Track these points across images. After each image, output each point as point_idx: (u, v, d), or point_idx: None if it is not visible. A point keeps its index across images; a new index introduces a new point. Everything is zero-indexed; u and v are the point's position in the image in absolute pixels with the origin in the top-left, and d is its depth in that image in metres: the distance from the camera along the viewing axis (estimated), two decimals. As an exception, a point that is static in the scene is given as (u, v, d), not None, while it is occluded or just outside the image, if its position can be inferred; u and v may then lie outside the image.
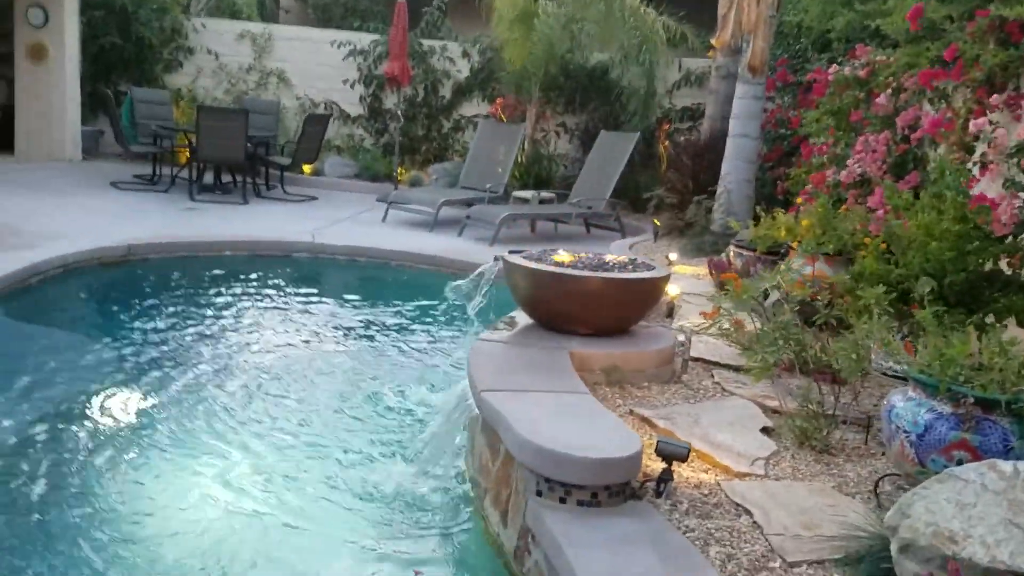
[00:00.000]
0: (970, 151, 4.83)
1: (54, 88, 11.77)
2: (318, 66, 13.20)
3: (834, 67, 6.77)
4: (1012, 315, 3.54)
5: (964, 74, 4.81)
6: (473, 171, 10.92)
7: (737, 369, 4.39)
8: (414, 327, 6.21)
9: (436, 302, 6.99)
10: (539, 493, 2.78)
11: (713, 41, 11.13)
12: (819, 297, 4.36)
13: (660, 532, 2.63)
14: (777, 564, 2.52)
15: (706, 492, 2.96)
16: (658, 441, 2.91)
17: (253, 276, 7.25)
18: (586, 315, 4.06)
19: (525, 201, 10.39)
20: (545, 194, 10.47)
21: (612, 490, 2.74)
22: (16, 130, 11.99)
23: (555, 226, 10.38)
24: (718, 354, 4.55)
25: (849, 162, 6.13)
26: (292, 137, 12.66)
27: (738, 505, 2.87)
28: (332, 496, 3.52)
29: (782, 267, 5.49)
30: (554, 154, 12.30)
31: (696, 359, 4.40)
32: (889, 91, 6.01)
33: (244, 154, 10.22)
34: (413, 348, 5.70)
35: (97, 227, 7.62)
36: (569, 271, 4.00)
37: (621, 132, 10.72)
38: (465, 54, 13.19)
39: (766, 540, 2.65)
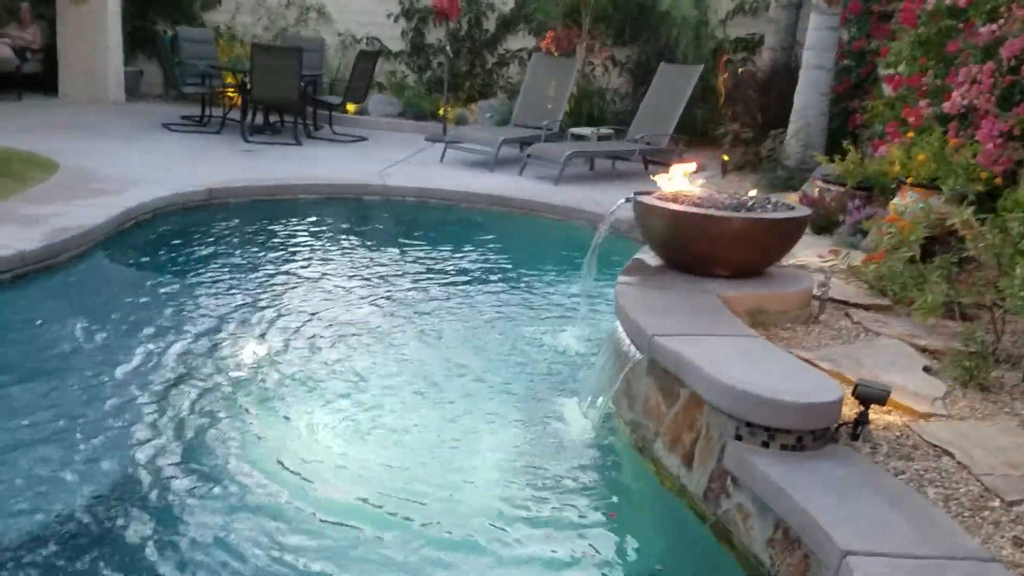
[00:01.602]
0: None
1: (96, 29, 11.58)
2: (359, 0, 12.90)
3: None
4: None
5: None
6: (526, 108, 10.74)
7: (868, 308, 4.36)
8: (521, 270, 6.15)
9: (525, 244, 6.97)
10: (739, 437, 2.77)
11: (773, -35, 10.84)
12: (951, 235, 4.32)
13: (873, 475, 2.62)
14: (996, 503, 2.52)
15: (897, 434, 2.94)
16: (857, 385, 2.88)
17: (337, 219, 7.23)
18: (729, 257, 4.00)
19: (584, 138, 10.24)
20: (604, 130, 10.31)
21: (816, 434, 2.73)
22: (60, 72, 11.84)
23: (613, 164, 10.24)
24: (845, 293, 4.51)
25: (954, 94, 5.97)
26: (335, 75, 12.48)
27: (935, 446, 2.85)
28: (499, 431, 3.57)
29: (896, 202, 5.44)
30: (605, 89, 12.07)
31: (829, 299, 4.36)
32: (998, 21, 5.81)
33: (298, 94, 10.06)
34: (529, 291, 5.66)
35: (169, 171, 7.56)
36: (715, 212, 3.93)
37: (681, 65, 10.48)
38: (510, -15, 12.86)
39: (977, 480, 2.64)
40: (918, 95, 6.86)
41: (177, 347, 4.23)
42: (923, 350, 3.82)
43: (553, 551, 2.82)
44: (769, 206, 4.17)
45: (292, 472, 3.18)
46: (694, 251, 4.03)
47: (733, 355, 3.06)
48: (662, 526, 3.08)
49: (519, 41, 13.02)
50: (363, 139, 11.07)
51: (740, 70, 11.54)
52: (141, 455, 3.23)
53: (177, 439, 3.37)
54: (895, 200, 5.50)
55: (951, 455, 2.79)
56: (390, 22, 12.95)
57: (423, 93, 12.76)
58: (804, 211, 4.17)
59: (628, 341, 3.54)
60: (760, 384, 2.76)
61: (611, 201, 7.83)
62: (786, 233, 4.06)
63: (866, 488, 2.52)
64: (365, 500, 3.03)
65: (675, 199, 4.15)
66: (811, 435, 2.72)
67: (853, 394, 2.87)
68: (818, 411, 2.71)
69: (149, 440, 3.34)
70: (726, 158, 9.09)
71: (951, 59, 6.73)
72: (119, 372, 3.90)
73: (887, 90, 8.15)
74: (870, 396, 2.85)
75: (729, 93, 11.40)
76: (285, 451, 3.34)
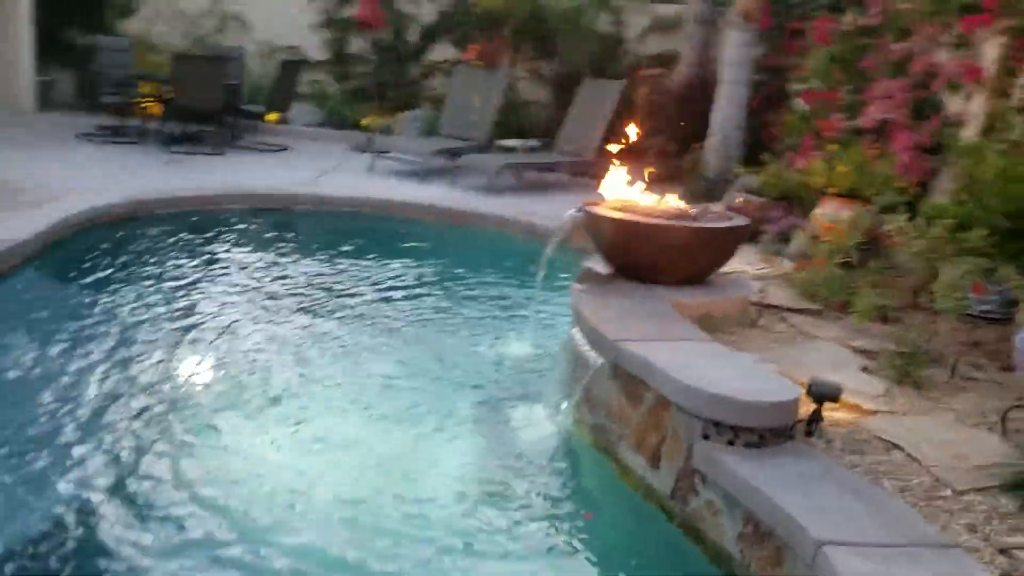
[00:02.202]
0: (1008, 97, 5.06)
1: (8, 35, 11.11)
2: (279, 9, 12.74)
3: (850, 16, 6.91)
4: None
5: (1002, 22, 5.02)
6: (453, 119, 10.81)
7: (801, 312, 4.59)
8: (463, 279, 6.19)
9: (465, 253, 7.01)
10: (706, 437, 2.90)
11: (688, -14, 11.20)
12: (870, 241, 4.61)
13: (832, 469, 2.78)
14: (948, 493, 2.71)
15: (847, 430, 3.13)
16: (811, 383, 3.05)
17: (269, 229, 7.16)
18: (677, 264, 4.16)
19: (512, 150, 10.36)
20: (531, 142, 10.46)
21: (777, 432, 2.88)
22: (-35, 79, 11.31)
23: (541, 175, 10.39)
24: (779, 299, 4.73)
25: (870, 108, 6.33)
26: (256, 84, 12.29)
27: (884, 440, 3.05)
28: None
29: (819, 212, 5.72)
30: (527, 101, 12.23)
31: (765, 305, 4.57)
32: (919, 37, 6.19)
33: (222, 103, 9.89)
34: (474, 300, 5.71)
35: (93, 182, 7.35)
36: (664, 222, 4.09)
37: (604, 80, 10.73)
38: (432, -3, 12.92)
39: (928, 472, 2.83)
40: (833, 109, 7.23)
41: (111, 368, 4.10)
42: (857, 351, 4.05)
43: (525, 548, 2.89)
44: (711, 216, 4.35)
45: (234, 504, 3.04)
46: (644, 259, 4.18)
47: (695, 359, 3.19)
48: (630, 525, 3.18)
49: (442, 52, 13.06)
50: (286, 148, 10.94)
51: (658, 85, 11.89)
52: (66, 488, 3.06)
53: (107, 469, 3.20)
54: (817, 210, 5.79)
55: (900, 448, 2.98)
56: (311, 31, 12.83)
57: (346, 103, 12.68)
58: (743, 221, 4.37)
59: (588, 347, 3.65)
60: (726, 385, 2.90)
61: (545, 212, 8.00)
62: (729, 242, 4.25)
63: (828, 481, 2.68)
64: (315, 522, 2.98)
65: (624, 209, 4.28)
66: (772, 432, 2.87)
67: (807, 392, 3.04)
68: (781, 409, 2.86)
69: (75, 472, 3.16)
70: (649, 170, 9.33)
71: (864, 75, 7.13)
72: (49, 395, 3.76)
73: (800, 104, 8.54)
74: (824, 394, 3.02)
75: (647, 107, 11.73)
76: (223, 479, 3.22)
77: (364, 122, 12.34)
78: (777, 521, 2.51)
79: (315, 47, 12.91)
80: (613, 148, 10.01)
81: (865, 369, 3.79)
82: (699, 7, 11.15)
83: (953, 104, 5.99)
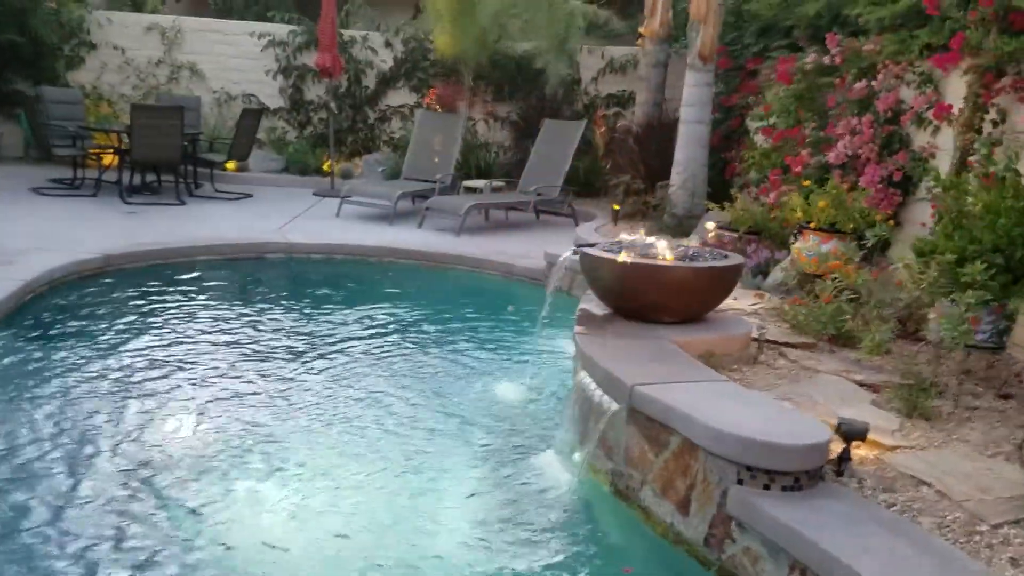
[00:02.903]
0: (979, 132, 5.23)
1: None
2: (233, 58, 12.70)
3: (813, 55, 7.10)
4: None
5: (970, 60, 5.19)
6: (416, 162, 10.83)
7: (796, 347, 4.62)
8: (449, 323, 6.13)
9: (445, 296, 6.95)
10: (740, 482, 2.87)
11: (641, 30, 11.44)
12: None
13: (870, 509, 2.78)
14: (984, 528, 2.72)
15: (873, 467, 3.13)
16: (840, 422, 3.06)
17: (243, 280, 7.02)
18: (678, 304, 4.17)
19: (477, 190, 10.39)
20: (496, 183, 10.50)
21: (810, 474, 2.87)
22: (-92, 134, 10.96)
23: (506, 214, 10.43)
24: (774, 334, 4.76)
25: (838, 144, 6.48)
26: (212, 132, 12.16)
27: (911, 477, 3.05)
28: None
29: (797, 245, 5.81)
30: (487, 143, 12.31)
31: (764, 340, 4.60)
32: (879, 76, 6.38)
33: (180, 153, 9.73)
34: (464, 344, 5.64)
35: (57, 237, 7.14)
36: (663, 263, 4.10)
37: (565, 120, 10.85)
38: (388, 44, 12.97)
39: (960, 507, 2.84)
40: (797, 145, 7.40)
41: (96, 430, 3.95)
42: (860, 384, 4.09)
43: None
44: (706, 255, 4.38)
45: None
46: (644, 299, 4.18)
47: (717, 400, 3.18)
48: (662, 574, 3.12)
49: (399, 97, 13.13)
50: (248, 196, 10.82)
51: (618, 124, 12.09)
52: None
53: (92, 538, 3.04)
54: (798, 244, 5.88)
55: (929, 484, 2.99)
56: (268, 79, 12.79)
57: (306, 149, 12.61)
58: (738, 259, 4.41)
59: (600, 391, 3.61)
60: (758, 428, 2.89)
61: (518, 251, 8.02)
62: (727, 280, 4.28)
63: (870, 522, 2.67)
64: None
65: (622, 251, 4.29)
66: (807, 475, 2.86)
67: (836, 431, 3.05)
68: (816, 451, 2.85)
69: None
70: (616, 207, 9.44)
71: (826, 112, 7.32)
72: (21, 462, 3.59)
73: (760, 141, 8.73)
74: (853, 433, 3.03)
75: (607, 146, 11.90)
76: (224, 538, 3.11)
77: (325, 167, 12.29)
78: (825, 566, 2.48)
79: (272, 95, 12.85)
80: (573, 187, 10.15)
81: (873, 403, 3.82)
82: (653, 49, 11.38)
83: (919, 138, 6.18)
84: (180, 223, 8.60)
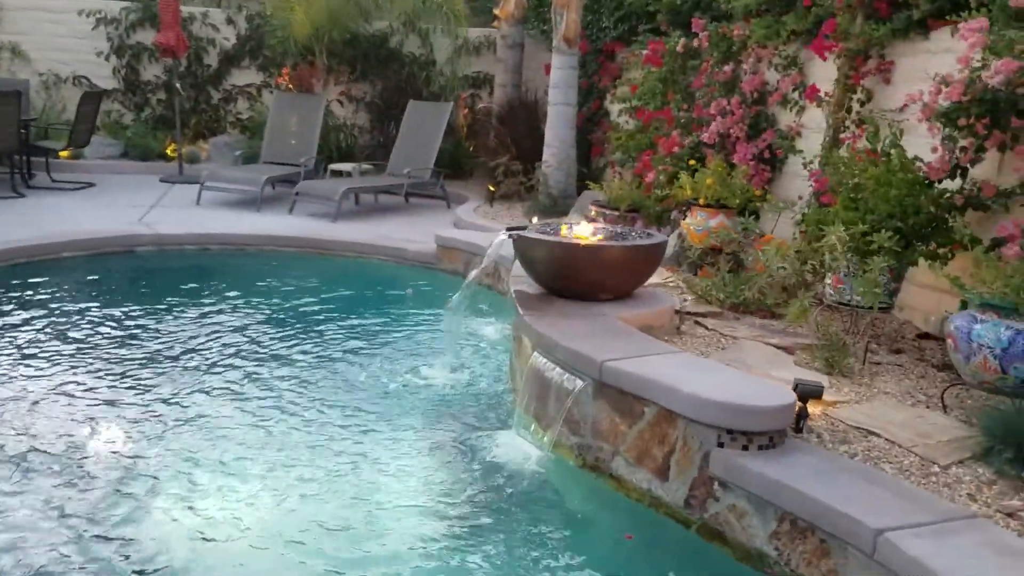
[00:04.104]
0: (848, 111, 5.72)
1: None
2: (61, 38, 11.75)
3: (683, 39, 7.46)
4: (963, 247, 4.39)
5: (841, 44, 5.66)
6: (274, 145, 10.48)
7: (705, 316, 4.94)
8: (354, 311, 5.99)
9: (340, 284, 6.81)
10: (720, 444, 3.08)
11: (497, 11, 11.58)
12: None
13: (838, 461, 3.06)
14: (937, 469, 3.07)
15: (822, 423, 3.44)
16: (796, 383, 3.33)
17: (120, 276, 6.60)
18: (614, 281, 4.35)
19: (345, 174, 10.19)
20: (364, 166, 10.34)
21: (781, 432, 3.12)
22: None
23: (376, 198, 10.30)
24: (684, 305, 5.06)
25: (712, 125, 6.89)
26: (41, 117, 11.21)
27: (858, 428, 3.38)
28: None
29: (686, 221, 6.16)
30: (344, 125, 12.06)
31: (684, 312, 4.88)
32: (749, 59, 6.82)
33: (19, 141, 8.93)
34: (375, 330, 5.57)
35: None
36: (602, 243, 4.26)
37: (431, 102, 10.82)
38: (230, 21, 12.40)
39: (910, 452, 3.19)
40: (667, 125, 7.78)
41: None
42: (776, 347, 4.44)
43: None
44: (635, 235, 4.59)
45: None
46: (584, 278, 4.32)
47: (685, 371, 3.38)
48: (642, 536, 3.28)
49: (245, 76, 12.59)
50: (91, 185, 10.11)
51: (478, 106, 12.18)
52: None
53: None
54: (687, 220, 6.22)
55: (876, 434, 3.33)
56: (100, 60, 11.90)
57: (144, 132, 11.86)
58: (662, 238, 4.64)
59: (559, 370, 3.74)
60: (733, 394, 3.11)
61: (400, 235, 7.98)
62: (656, 257, 4.50)
63: (842, 472, 2.95)
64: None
65: (557, 233, 4.42)
66: (779, 434, 3.11)
67: (794, 391, 3.32)
68: (786, 411, 3.11)
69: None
70: (492, 188, 9.56)
71: (692, 93, 7.75)
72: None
73: (622, 122, 9.11)
74: (809, 392, 3.31)
75: (470, 128, 11.99)
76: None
77: (169, 151, 11.65)
78: (819, 515, 2.73)
79: (105, 76, 11.99)
80: (444, 169, 10.16)
81: (796, 364, 4.16)
82: (510, 31, 11.55)
83: (784, 118, 6.67)
84: (28, 217, 7.94)
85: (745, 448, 3.07)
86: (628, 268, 4.36)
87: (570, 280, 4.36)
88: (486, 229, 7.98)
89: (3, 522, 3.08)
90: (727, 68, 7.12)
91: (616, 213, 7.38)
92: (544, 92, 11.39)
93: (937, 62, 5.03)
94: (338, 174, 10.24)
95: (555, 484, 3.64)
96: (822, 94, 5.96)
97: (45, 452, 3.62)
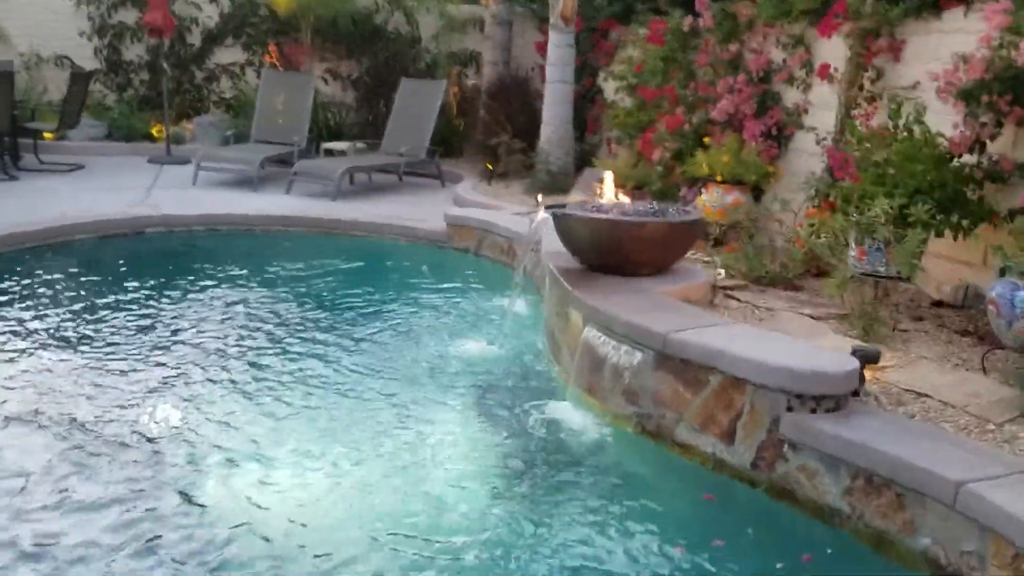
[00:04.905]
0: (860, 89, 5.90)
1: None
2: (42, 17, 11.48)
3: (689, 18, 7.57)
4: (981, 219, 4.59)
5: (852, 24, 5.82)
6: (264, 124, 10.41)
7: (732, 289, 5.11)
8: (378, 289, 6.06)
9: (358, 263, 6.85)
10: (790, 408, 3.24)
11: (485, -11, 11.57)
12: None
13: (901, 421, 3.24)
14: (992, 426, 3.26)
15: (875, 387, 3.61)
16: (854, 349, 3.50)
17: (137, 257, 6.61)
18: (655, 256, 4.48)
19: (339, 153, 10.17)
20: (359, 144, 10.32)
21: (847, 396, 3.29)
22: None
23: (369, 177, 10.29)
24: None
25: (721, 103, 7.03)
26: (24, 98, 10.98)
27: (909, 391, 3.57)
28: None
29: (703, 197, 6.31)
30: (332, 103, 11.99)
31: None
32: (754, 38, 6.96)
33: (10, 123, 8.78)
34: (408, 309, 5.63)
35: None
36: (645, 219, 4.39)
37: (424, 80, 10.80)
38: (213, -1, 12.24)
39: (965, 412, 3.38)
40: (671, 103, 7.90)
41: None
42: (810, 318, 4.62)
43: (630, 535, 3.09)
44: (672, 211, 4.72)
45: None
46: (626, 254, 4.45)
47: (748, 341, 3.53)
48: (710, 498, 3.43)
49: (229, 55, 12.44)
50: (80, 167, 9.96)
51: (469, 84, 12.18)
52: None
53: None
54: (703, 196, 6.38)
55: (929, 396, 3.51)
56: (82, 40, 11.68)
57: (128, 113, 11.69)
58: (700, 214, 4.78)
59: (614, 343, 3.87)
60: (801, 361, 3.26)
61: (406, 214, 8.01)
62: (695, 233, 4.64)
63: (907, 431, 3.13)
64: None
65: (600, 209, 4.53)
66: (844, 398, 3.28)
67: (852, 355, 3.49)
68: (852, 376, 3.27)
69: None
70: (491, 166, 9.62)
71: (693, 72, 7.88)
72: None
73: (618, 99, 9.21)
74: (867, 356, 3.48)
75: (460, 106, 12.00)
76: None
77: (154, 132, 11.50)
78: (897, 471, 2.90)
79: (87, 57, 11.78)
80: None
81: (835, 332, 4.34)
82: (497, 8, 11.56)
83: (790, 96, 6.83)
84: (29, 201, 7.83)
85: (813, 411, 3.23)
86: (670, 244, 4.49)
87: (613, 256, 4.48)
88: (490, 207, 8.06)
89: (80, 497, 3.14)
90: (732, 47, 7.25)
91: (623, 190, 7.51)
92: (532, 69, 11.49)
93: (949, 41, 5.23)
94: (330, 153, 10.21)
95: (616, 451, 3.78)
96: (832, 71, 6.12)
97: (101, 429, 3.68)
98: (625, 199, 4.83)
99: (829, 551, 3.02)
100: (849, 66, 5.93)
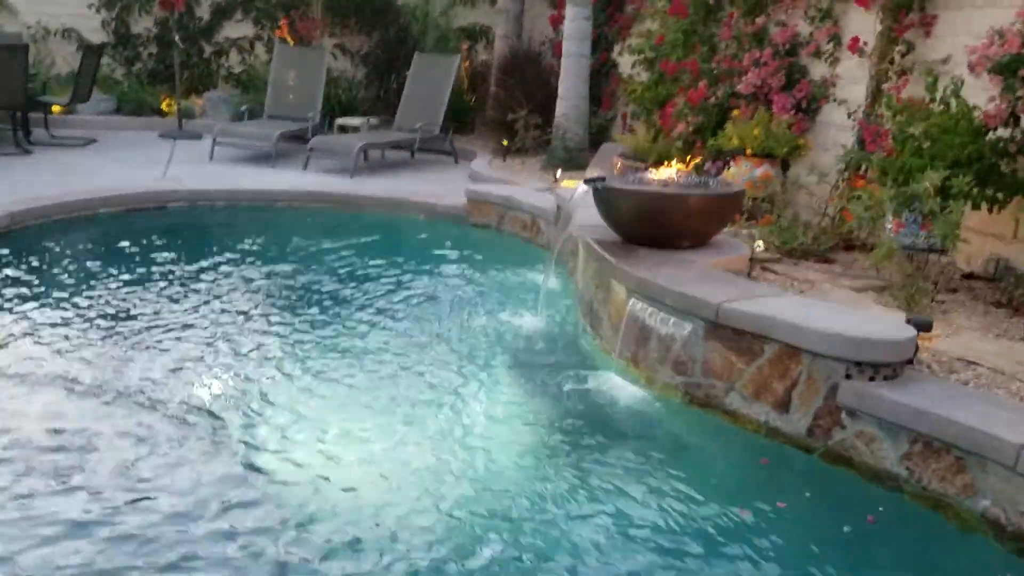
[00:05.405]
0: (892, 63, 5.92)
1: None
2: (48, -11, 11.40)
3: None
4: (1016, 192, 4.64)
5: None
6: (278, 100, 10.38)
7: (767, 262, 5.16)
8: (413, 265, 6.07)
9: (386, 238, 6.87)
10: (848, 376, 3.30)
11: (499, -39, 11.49)
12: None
13: (955, 388, 3.30)
14: (1044, 393, 3.33)
15: (926, 355, 3.67)
16: (908, 318, 3.55)
17: (168, 231, 6.60)
18: (697, 229, 4.52)
19: (353, 129, 10.15)
20: (372, 120, 10.30)
21: (902, 364, 3.34)
22: None
23: (382, 153, 10.27)
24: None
25: (747, 76, 7.04)
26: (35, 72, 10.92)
27: (960, 359, 3.62)
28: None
29: (731, 171, 6.34)
30: (342, 78, 11.94)
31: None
32: (779, 11, 6.96)
33: (25, 97, 8.73)
34: (445, 284, 5.67)
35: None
36: (690, 191, 4.42)
37: (437, 55, 10.75)
38: (223, -28, 12.15)
39: (1015, 379, 3.44)
40: (692, 77, 7.90)
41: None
42: (851, 289, 4.67)
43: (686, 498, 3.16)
44: (712, 183, 4.75)
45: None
46: (669, 227, 4.48)
47: (802, 310, 3.58)
48: (766, 463, 3.49)
49: (238, 29, 12.37)
50: (93, 141, 9.93)
51: (480, 59, 12.14)
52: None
53: None
54: (732, 169, 6.41)
55: (979, 364, 3.57)
56: (90, 12, 11.59)
57: (137, 86, 11.63)
58: (740, 187, 4.81)
59: (662, 314, 3.91)
60: (859, 329, 3.31)
61: (424, 190, 8.01)
62: (736, 205, 4.68)
63: (965, 397, 3.19)
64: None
65: (642, 182, 4.56)
66: (900, 365, 3.33)
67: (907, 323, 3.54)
68: (909, 344, 3.32)
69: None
70: (506, 142, 9.62)
71: (715, 45, 7.88)
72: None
73: (635, 73, 9.18)
74: (920, 325, 3.53)
75: (471, 81, 11.95)
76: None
77: (164, 106, 11.45)
78: (958, 436, 2.95)
79: (95, 29, 11.70)
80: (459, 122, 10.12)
81: (876, 303, 4.39)
82: (510, -19, 11.50)
83: (816, 69, 6.85)
84: (45, 175, 7.83)
85: (872, 379, 3.28)
86: (712, 216, 4.53)
87: (656, 228, 4.51)
88: (508, 183, 8.08)
89: (157, 463, 3.19)
90: (759, 20, 7.24)
91: (644, 165, 7.53)
92: (543, 43, 11.45)
93: (980, 16, 5.26)
94: (344, 129, 10.19)
95: (666, 419, 3.84)
96: (862, 44, 6.14)
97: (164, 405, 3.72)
98: (670, 171, 4.83)
99: (888, 513, 3.08)
100: (880, 40, 5.94)
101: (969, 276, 5.20)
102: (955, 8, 5.55)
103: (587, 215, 5.02)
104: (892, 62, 5.90)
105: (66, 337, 4.33)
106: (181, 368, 4.06)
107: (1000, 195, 4.65)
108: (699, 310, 3.75)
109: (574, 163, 8.87)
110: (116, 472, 3.12)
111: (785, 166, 6.59)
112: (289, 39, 11.53)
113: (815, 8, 6.74)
